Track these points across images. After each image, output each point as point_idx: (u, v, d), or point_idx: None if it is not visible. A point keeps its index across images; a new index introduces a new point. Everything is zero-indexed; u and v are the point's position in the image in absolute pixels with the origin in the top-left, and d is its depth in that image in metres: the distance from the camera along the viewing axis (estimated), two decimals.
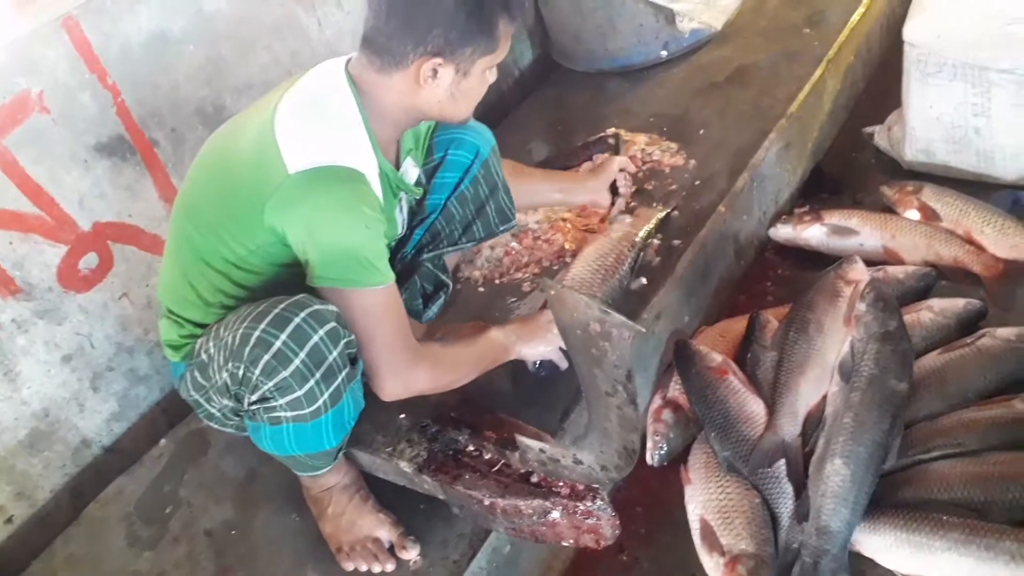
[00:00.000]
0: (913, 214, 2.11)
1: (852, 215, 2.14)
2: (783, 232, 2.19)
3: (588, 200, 2.00)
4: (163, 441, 1.96)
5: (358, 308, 1.35)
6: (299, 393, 1.28)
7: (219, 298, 1.41)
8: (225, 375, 1.29)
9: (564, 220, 2.14)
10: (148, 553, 1.70)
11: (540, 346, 1.64)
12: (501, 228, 1.76)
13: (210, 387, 1.36)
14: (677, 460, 1.77)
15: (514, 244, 2.11)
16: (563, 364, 1.67)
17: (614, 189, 1.99)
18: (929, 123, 2.21)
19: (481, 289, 2.06)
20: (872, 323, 1.69)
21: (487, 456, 1.45)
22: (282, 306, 1.27)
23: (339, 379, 1.31)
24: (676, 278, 1.91)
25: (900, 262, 2.03)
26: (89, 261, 1.89)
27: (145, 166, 1.95)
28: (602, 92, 2.72)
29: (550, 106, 2.79)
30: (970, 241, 2.01)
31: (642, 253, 1.93)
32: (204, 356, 1.33)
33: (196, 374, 1.36)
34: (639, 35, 2.65)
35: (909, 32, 2.15)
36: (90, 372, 1.94)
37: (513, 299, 2.00)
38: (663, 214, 2.04)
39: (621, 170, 1.99)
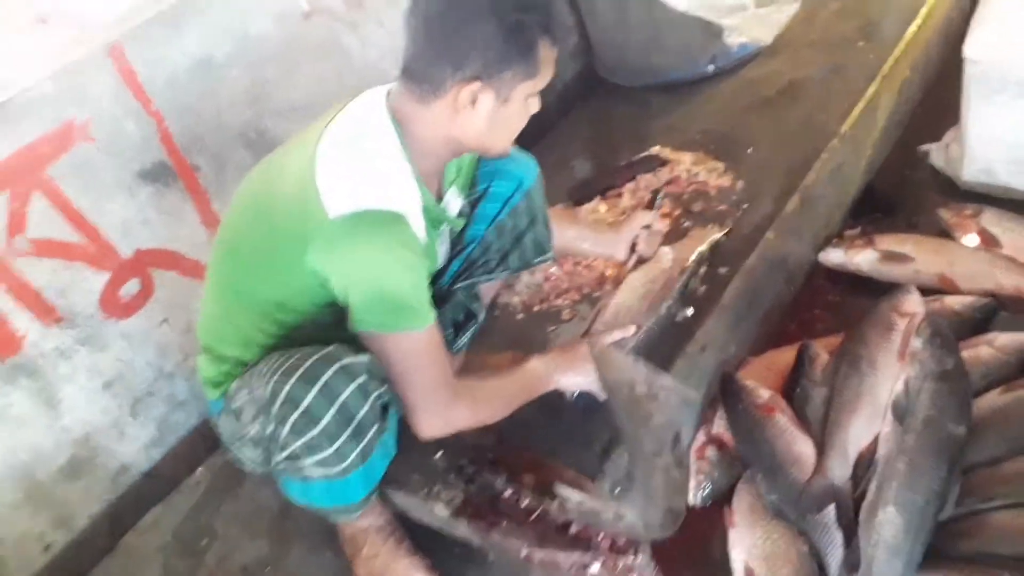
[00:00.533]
0: (972, 239, 2.02)
1: (906, 240, 2.05)
2: (834, 257, 2.12)
3: (602, 254, 1.94)
4: (200, 469, 1.97)
5: (399, 352, 1.33)
6: (328, 452, 1.26)
7: (260, 337, 1.40)
8: (255, 430, 1.28)
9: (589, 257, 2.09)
10: None
11: (579, 377, 1.59)
12: (537, 260, 1.72)
13: (241, 437, 1.35)
14: (721, 500, 1.71)
15: (554, 269, 2.07)
16: (602, 396, 1.62)
17: (634, 247, 1.88)
18: (990, 143, 2.12)
19: (520, 316, 2.03)
20: (928, 361, 1.62)
21: (525, 502, 1.42)
22: (312, 360, 1.25)
23: (369, 435, 1.30)
24: (723, 308, 1.85)
25: (957, 291, 1.94)
26: (130, 288, 1.90)
27: (187, 192, 1.95)
28: (647, 108, 2.66)
29: (593, 122, 2.74)
30: None
31: (693, 279, 1.87)
32: (238, 403, 1.32)
33: (228, 421, 1.35)
34: (686, 50, 2.58)
35: (970, 48, 2.06)
36: (130, 398, 1.95)
37: (552, 326, 1.97)
38: (717, 236, 1.97)
39: (647, 226, 1.88)
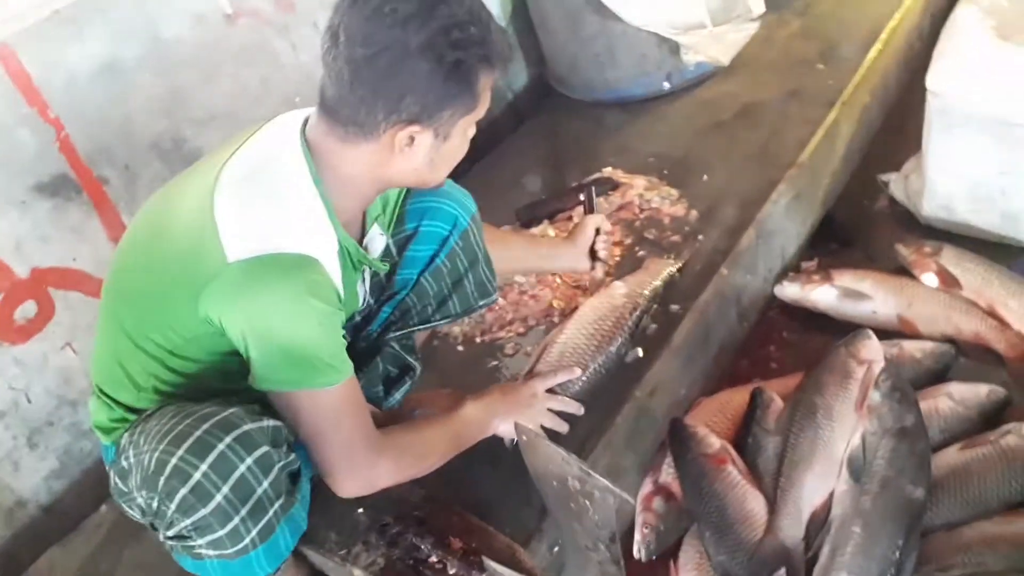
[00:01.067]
0: (931, 279, 1.95)
1: (865, 277, 1.97)
2: (789, 292, 2.03)
3: (566, 268, 1.82)
4: (104, 507, 1.79)
5: (309, 410, 1.18)
6: (221, 533, 1.11)
7: (152, 383, 1.24)
8: (140, 500, 1.13)
9: (553, 274, 1.97)
10: None
11: (521, 423, 1.47)
12: (480, 303, 1.58)
13: (129, 501, 1.19)
14: (667, 554, 1.61)
15: (499, 299, 1.94)
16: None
17: (594, 253, 1.77)
18: (951, 178, 2.05)
19: (460, 348, 1.89)
20: (887, 416, 1.53)
21: (451, 572, 1.28)
22: (206, 426, 1.10)
23: (271, 513, 1.15)
24: (674, 348, 1.74)
25: (916, 333, 1.87)
26: (26, 310, 1.72)
27: (93, 206, 1.78)
28: (600, 124, 2.55)
29: (544, 136, 2.62)
30: (992, 314, 1.85)
31: (646, 316, 1.76)
32: (124, 464, 1.16)
33: (117, 480, 1.19)
34: (640, 65, 2.47)
35: (933, 80, 1.98)
36: (26, 428, 1.78)
37: (494, 361, 1.84)
38: (672, 270, 1.86)
39: (598, 231, 1.77)
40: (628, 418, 1.63)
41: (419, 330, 1.56)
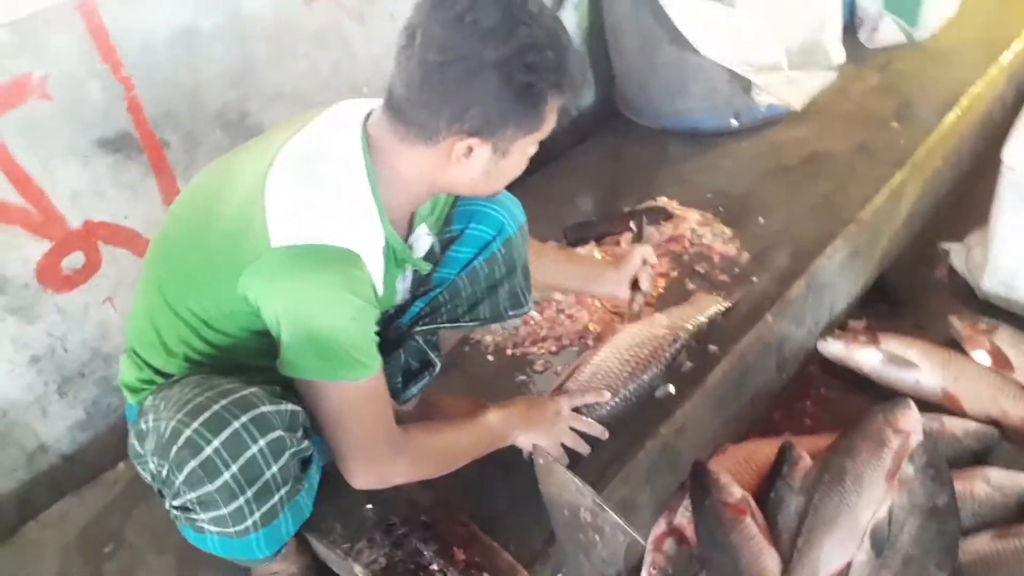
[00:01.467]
0: (982, 357, 1.88)
1: (913, 344, 1.91)
2: (833, 348, 1.98)
3: (605, 293, 1.78)
4: (121, 465, 1.81)
5: (333, 401, 1.18)
6: (224, 511, 1.11)
7: (184, 350, 1.24)
8: (152, 466, 1.13)
9: (593, 297, 1.95)
10: None
11: (542, 439, 1.46)
12: (511, 313, 1.56)
13: (143, 464, 1.19)
14: None
15: (534, 314, 1.92)
16: (563, 462, 1.48)
17: (636, 284, 1.74)
18: (1016, 255, 1.98)
19: (490, 357, 1.87)
20: (918, 492, 1.48)
21: None
22: (224, 402, 1.09)
23: (276, 498, 1.14)
24: (707, 389, 1.70)
25: (960, 410, 1.80)
26: (74, 261, 1.74)
27: (151, 168, 1.79)
28: (662, 153, 2.52)
29: (605, 158, 2.59)
30: None
31: (684, 351, 1.72)
32: (143, 426, 1.16)
33: (135, 441, 1.19)
34: (711, 99, 2.44)
35: (1010, 154, 1.92)
36: (59, 376, 1.80)
37: (522, 375, 1.82)
38: (722, 307, 1.82)
39: (644, 262, 1.74)
40: (651, 453, 1.59)
41: (446, 328, 1.55)
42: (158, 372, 1.28)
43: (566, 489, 1.04)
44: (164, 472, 1.11)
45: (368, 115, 1.20)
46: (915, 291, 2.23)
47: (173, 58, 1.74)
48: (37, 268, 1.68)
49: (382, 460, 1.26)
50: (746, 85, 2.37)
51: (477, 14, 1.06)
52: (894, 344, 1.92)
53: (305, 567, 1.41)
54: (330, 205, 1.13)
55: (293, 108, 1.75)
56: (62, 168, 1.65)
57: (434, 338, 1.53)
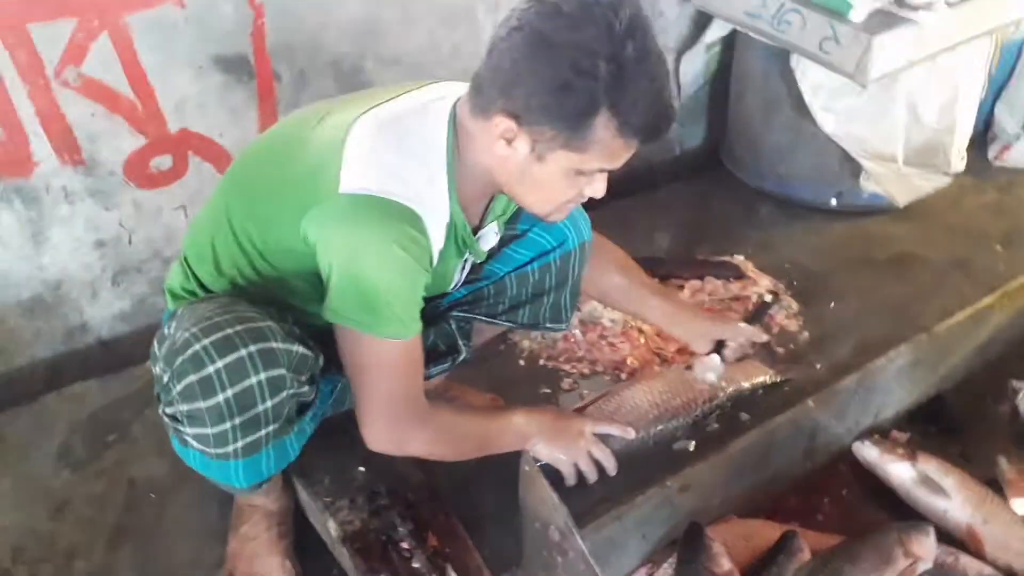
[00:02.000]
0: (1020, 506, 1.78)
1: (951, 473, 1.82)
2: (868, 453, 1.90)
3: (684, 339, 1.72)
4: (148, 364, 1.87)
5: (368, 355, 1.20)
6: (208, 431, 1.13)
7: (233, 272, 1.28)
8: (157, 370, 1.16)
9: (641, 332, 1.93)
10: (67, 473, 1.61)
11: (559, 453, 1.44)
12: (548, 325, 1.56)
13: (154, 364, 1.23)
14: None
15: (577, 332, 1.91)
16: (570, 481, 1.47)
17: (719, 346, 1.68)
18: None
19: (522, 362, 1.88)
20: None
21: (415, 564, 1.27)
22: (239, 328, 1.11)
23: (262, 432, 1.16)
24: (726, 456, 1.66)
25: (980, 552, 1.71)
26: (162, 162, 1.82)
27: (257, 95, 1.85)
28: (753, 212, 2.48)
29: (695, 202, 2.56)
30: None
31: (718, 412, 1.68)
32: (166, 330, 1.20)
33: (155, 342, 1.23)
34: (817, 173, 2.38)
35: None
36: (117, 265, 1.89)
37: (548, 389, 1.81)
38: (770, 381, 1.76)
39: (750, 343, 1.69)
40: (650, 501, 1.56)
41: (481, 321, 1.55)
42: (202, 286, 1.32)
43: (543, 503, 1.03)
44: (165, 379, 1.14)
45: (461, 97, 1.22)
46: (971, 420, 2.12)
47: (306, 0, 1.79)
48: (127, 160, 1.77)
49: (403, 426, 1.26)
50: (855, 169, 2.30)
51: (564, 2, 1.05)
52: (932, 467, 1.83)
53: (284, 508, 1.44)
54: (404, 167, 1.15)
55: (406, 76, 1.78)
56: (176, 74, 1.73)
57: (467, 327, 1.53)
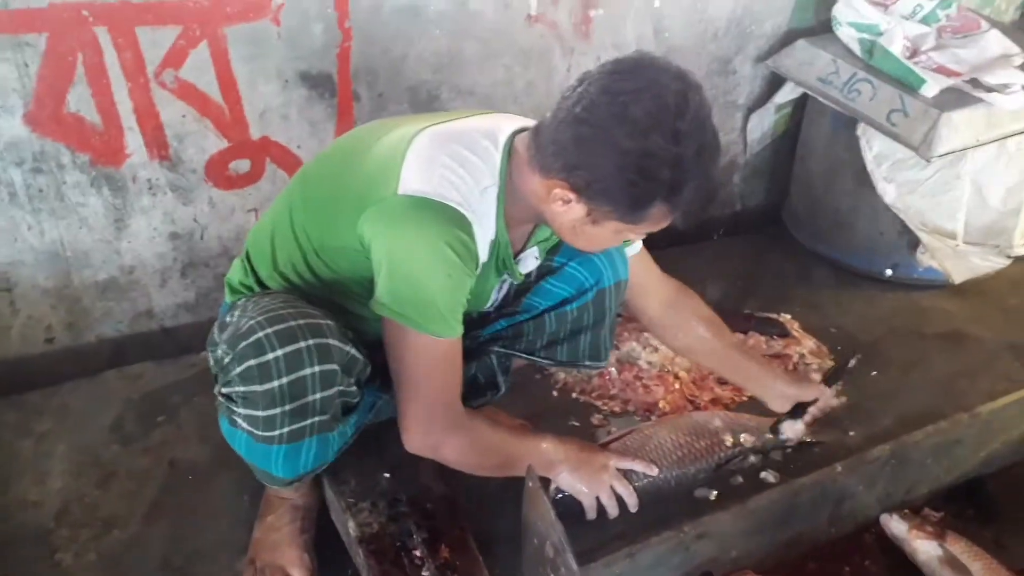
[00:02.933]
0: None
1: (980, 558, 1.77)
2: (895, 527, 1.86)
3: (762, 398, 1.73)
4: (204, 354, 1.97)
5: (410, 350, 1.27)
6: (259, 413, 1.21)
7: (288, 269, 1.37)
8: (219, 352, 1.25)
9: (677, 377, 1.95)
10: (117, 447, 1.70)
11: (582, 485, 1.48)
12: (587, 363, 1.60)
13: (213, 350, 1.32)
14: None
15: (613, 370, 1.95)
16: (591, 514, 1.50)
17: (796, 408, 1.71)
18: None
19: (555, 392, 1.92)
20: None
21: (424, 573, 1.31)
22: (300, 322, 1.20)
23: (308, 422, 1.23)
24: (747, 510, 1.65)
25: None
26: (241, 166, 1.93)
27: (337, 113, 1.96)
28: (805, 273, 2.49)
29: (749, 256, 2.59)
30: None
31: (736, 461, 1.69)
32: (228, 318, 1.29)
33: (215, 329, 1.32)
34: (873, 242, 2.38)
35: None
36: (187, 258, 2.00)
37: (577, 422, 1.85)
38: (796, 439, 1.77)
39: (825, 408, 1.72)
40: (665, 543, 1.57)
41: (519, 357, 1.60)
42: (259, 281, 1.41)
43: (542, 519, 1.06)
44: (226, 360, 1.22)
45: (521, 130, 1.29)
46: (1010, 507, 2.07)
47: (393, 27, 1.90)
48: (209, 160, 1.89)
49: (438, 428, 1.32)
50: (913, 241, 2.29)
51: (633, 98, 1.12)
52: (960, 548, 1.79)
53: (310, 504, 1.50)
54: (460, 179, 1.23)
55: (477, 108, 1.87)
56: (263, 85, 1.85)
57: (508, 363, 1.59)
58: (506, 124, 1.31)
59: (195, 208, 1.94)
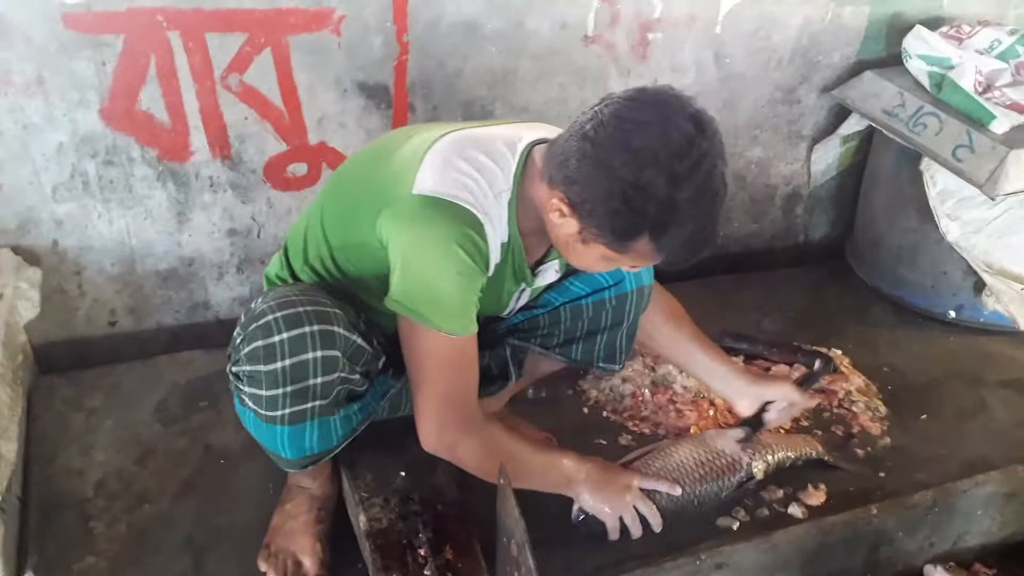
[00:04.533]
0: None
1: None
2: None
3: (727, 397, 1.71)
4: None
5: (423, 347, 1.29)
6: (262, 392, 1.26)
7: (316, 263, 1.43)
8: (236, 331, 1.31)
9: (712, 404, 1.91)
10: (158, 427, 1.78)
11: (603, 504, 1.47)
12: (601, 365, 1.60)
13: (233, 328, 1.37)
14: None
15: (647, 392, 1.92)
16: (613, 535, 1.49)
17: (762, 411, 1.68)
18: None
19: (585, 410, 1.91)
20: None
21: (426, 572, 1.32)
22: (310, 308, 1.25)
23: (308, 405, 1.27)
24: (771, 544, 1.61)
25: None
26: (298, 169, 2.01)
27: (392, 123, 2.02)
28: (863, 309, 2.41)
29: (806, 288, 2.51)
30: None
31: (752, 480, 1.66)
32: (252, 304, 1.34)
33: (241, 316, 1.38)
34: (937, 282, 2.29)
35: None
36: (244, 253, 2.08)
37: (604, 440, 1.82)
38: (814, 455, 1.74)
39: (790, 405, 1.67)
40: (679, 569, 1.54)
41: (534, 350, 1.61)
42: (292, 274, 1.48)
43: (509, 516, 1.06)
44: (238, 341, 1.28)
45: (543, 140, 1.31)
46: None
47: (450, 42, 1.96)
48: (268, 162, 1.97)
49: (451, 426, 1.33)
50: (979, 284, 2.20)
51: (639, 129, 1.13)
52: None
53: (327, 496, 1.54)
54: (475, 180, 1.26)
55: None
56: (323, 93, 1.92)
57: (522, 356, 1.60)
58: (528, 133, 1.33)
59: (253, 207, 2.02)
